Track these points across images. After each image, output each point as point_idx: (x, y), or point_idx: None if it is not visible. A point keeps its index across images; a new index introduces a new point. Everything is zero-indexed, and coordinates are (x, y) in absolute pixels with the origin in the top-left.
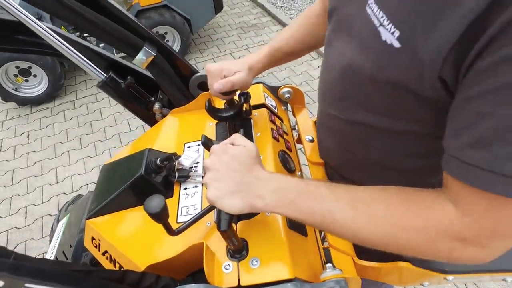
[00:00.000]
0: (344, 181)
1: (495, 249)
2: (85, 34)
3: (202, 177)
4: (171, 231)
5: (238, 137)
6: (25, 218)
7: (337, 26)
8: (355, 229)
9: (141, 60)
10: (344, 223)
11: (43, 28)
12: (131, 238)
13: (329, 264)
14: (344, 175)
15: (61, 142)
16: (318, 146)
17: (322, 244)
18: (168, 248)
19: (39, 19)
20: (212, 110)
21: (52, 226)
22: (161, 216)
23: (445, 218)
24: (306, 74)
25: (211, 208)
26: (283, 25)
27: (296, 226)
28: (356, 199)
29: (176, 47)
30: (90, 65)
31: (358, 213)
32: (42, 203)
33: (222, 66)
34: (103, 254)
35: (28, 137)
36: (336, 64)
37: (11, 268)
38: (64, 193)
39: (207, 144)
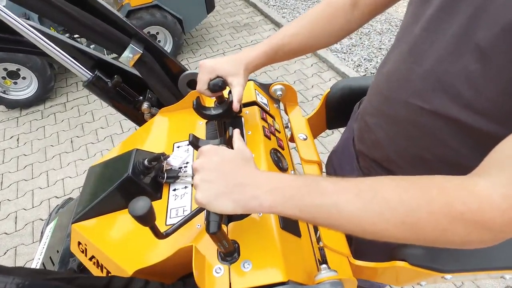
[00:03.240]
0: (385, 173)
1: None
2: (76, 36)
3: (192, 177)
4: (158, 234)
5: (235, 139)
6: (15, 223)
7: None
8: (364, 221)
9: (128, 57)
10: (352, 216)
11: (24, 26)
12: (118, 242)
13: (324, 265)
14: (390, 167)
15: (52, 145)
16: (360, 135)
17: (318, 244)
18: (156, 251)
19: (27, 19)
20: (200, 109)
21: (42, 230)
22: (147, 219)
23: (472, 200)
24: (300, 72)
25: (200, 209)
26: (276, 24)
27: (289, 227)
28: (362, 189)
29: (168, 47)
30: (75, 63)
31: (366, 203)
32: (33, 207)
33: (216, 65)
34: (90, 259)
35: (17, 140)
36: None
37: None
38: (56, 197)
39: (194, 143)
